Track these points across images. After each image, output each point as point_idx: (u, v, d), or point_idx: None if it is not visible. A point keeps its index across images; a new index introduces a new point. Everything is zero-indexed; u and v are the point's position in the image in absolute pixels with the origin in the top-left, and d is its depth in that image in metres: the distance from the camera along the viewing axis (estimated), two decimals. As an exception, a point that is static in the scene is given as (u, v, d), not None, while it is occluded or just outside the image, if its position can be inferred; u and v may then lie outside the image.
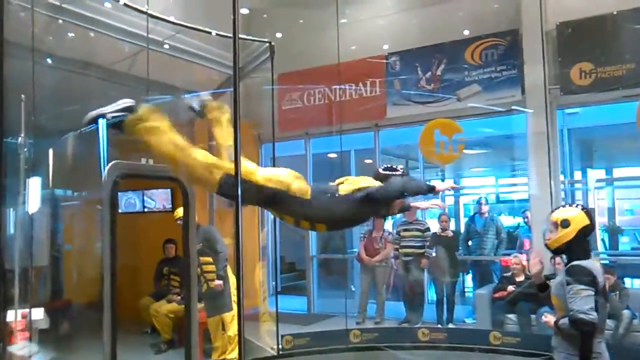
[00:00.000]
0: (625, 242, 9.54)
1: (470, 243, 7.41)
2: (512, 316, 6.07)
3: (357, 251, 7.47)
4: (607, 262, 7.73)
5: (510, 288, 6.15)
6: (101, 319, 4.06)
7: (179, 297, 6.25)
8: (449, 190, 3.15)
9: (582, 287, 2.71)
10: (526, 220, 7.50)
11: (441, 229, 7.00)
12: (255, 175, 2.71)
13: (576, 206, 3.04)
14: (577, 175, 8.34)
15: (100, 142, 2.87)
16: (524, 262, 6.37)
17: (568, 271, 2.82)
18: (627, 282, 6.55)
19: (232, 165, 2.39)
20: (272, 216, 8.88)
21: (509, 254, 6.72)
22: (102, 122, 2.71)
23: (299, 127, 8.19)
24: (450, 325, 6.56)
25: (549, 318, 2.94)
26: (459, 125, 6.66)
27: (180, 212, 5.82)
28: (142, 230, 6.96)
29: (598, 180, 7.49)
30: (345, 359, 5.14)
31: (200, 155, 2.71)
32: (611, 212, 9.38)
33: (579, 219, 2.90)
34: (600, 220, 9.09)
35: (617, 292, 5.60)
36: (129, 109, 2.71)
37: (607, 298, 3.05)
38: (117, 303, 4.17)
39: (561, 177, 6.88)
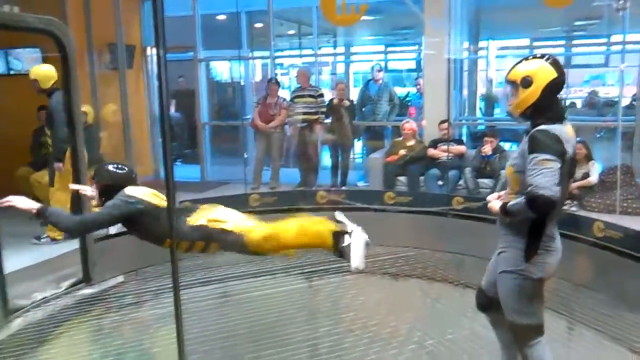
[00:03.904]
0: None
1: (363, 109, 7.52)
2: (402, 178, 6.41)
3: (251, 118, 7.31)
4: (483, 127, 8.32)
5: (402, 152, 6.43)
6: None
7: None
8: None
9: (548, 156, 2.21)
10: (418, 87, 7.68)
11: (339, 98, 6.98)
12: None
13: (539, 57, 2.41)
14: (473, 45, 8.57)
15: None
16: (415, 127, 6.64)
17: (531, 139, 2.29)
18: (506, 146, 7.07)
19: None
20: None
21: (400, 120, 6.93)
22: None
23: (185, -17, 7.47)
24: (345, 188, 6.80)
25: (493, 204, 2.48)
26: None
27: (36, 70, 5.19)
28: (9, 96, 6.19)
29: (500, 49, 7.68)
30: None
31: None
32: (490, 81, 9.90)
33: (543, 72, 2.33)
34: (481, 90, 9.63)
35: (498, 154, 6.05)
36: None
37: (574, 172, 2.51)
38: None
39: (466, 44, 7.02)
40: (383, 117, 7.38)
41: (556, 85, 2.36)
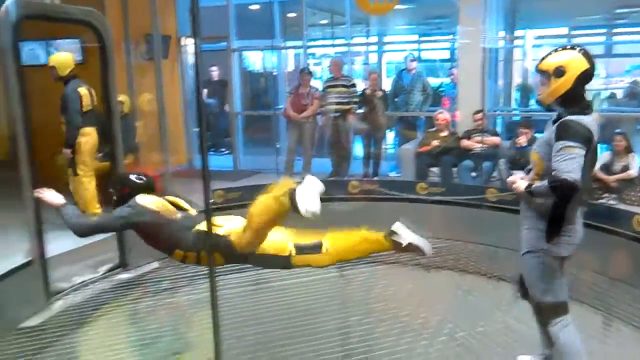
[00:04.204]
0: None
1: (396, 99, 7.47)
2: (434, 169, 6.36)
3: (283, 107, 7.34)
4: (518, 118, 8.16)
5: (435, 142, 6.37)
6: (14, 178, 3.80)
7: (99, 154, 5.93)
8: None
9: (573, 143, 2.26)
10: (452, 77, 7.59)
11: (371, 89, 6.95)
12: None
13: (571, 48, 2.44)
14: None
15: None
16: (448, 118, 6.57)
17: (559, 127, 2.34)
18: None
19: None
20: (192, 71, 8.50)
21: (434, 111, 6.86)
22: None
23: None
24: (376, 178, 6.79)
25: (518, 181, 2.51)
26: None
27: (55, 58, 5.33)
28: (50, 85, 6.35)
29: (537, 38, 7.50)
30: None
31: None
32: (526, 71, 9.70)
33: (575, 63, 2.36)
34: (516, 80, 9.44)
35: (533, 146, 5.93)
36: None
37: (596, 160, 2.56)
38: (32, 161, 3.89)
39: (501, 33, 6.86)
40: (416, 107, 7.32)
41: (587, 76, 2.41)
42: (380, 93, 6.99)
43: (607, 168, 5.57)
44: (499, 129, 7.53)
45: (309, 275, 4.26)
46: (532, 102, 9.30)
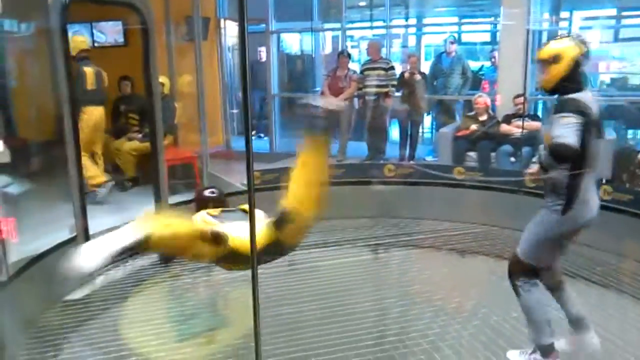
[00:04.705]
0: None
1: (435, 83, 7.37)
2: (472, 154, 6.26)
3: (320, 90, 7.34)
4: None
5: (473, 127, 6.27)
6: (61, 157, 3.94)
7: (140, 135, 6.08)
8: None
9: (567, 114, 2.53)
10: (493, 60, 7.43)
11: (410, 72, 6.87)
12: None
13: (567, 37, 2.82)
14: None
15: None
16: (488, 102, 6.44)
17: (557, 105, 2.68)
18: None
19: None
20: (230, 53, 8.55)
21: (473, 94, 6.74)
22: None
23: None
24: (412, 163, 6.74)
25: (533, 169, 2.86)
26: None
27: (79, 41, 5.57)
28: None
29: (584, 20, 7.24)
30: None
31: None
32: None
33: (570, 49, 2.66)
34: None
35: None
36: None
37: (601, 131, 2.77)
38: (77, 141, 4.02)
39: (546, 15, 6.66)
40: (455, 90, 7.21)
41: (581, 59, 2.68)
42: (418, 76, 6.90)
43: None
44: (540, 113, 7.35)
45: (343, 257, 4.29)
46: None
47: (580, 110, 2.54)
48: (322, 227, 4.80)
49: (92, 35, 7.01)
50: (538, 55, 2.78)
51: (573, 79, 2.66)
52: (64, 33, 3.89)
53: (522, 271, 2.79)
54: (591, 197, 2.68)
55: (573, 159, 2.54)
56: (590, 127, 2.57)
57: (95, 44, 7.02)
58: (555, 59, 2.66)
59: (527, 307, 2.79)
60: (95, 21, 6.84)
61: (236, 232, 2.59)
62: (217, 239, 2.55)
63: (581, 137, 2.50)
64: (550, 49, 2.71)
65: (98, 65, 5.76)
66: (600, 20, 8.75)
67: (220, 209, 2.96)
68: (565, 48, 2.66)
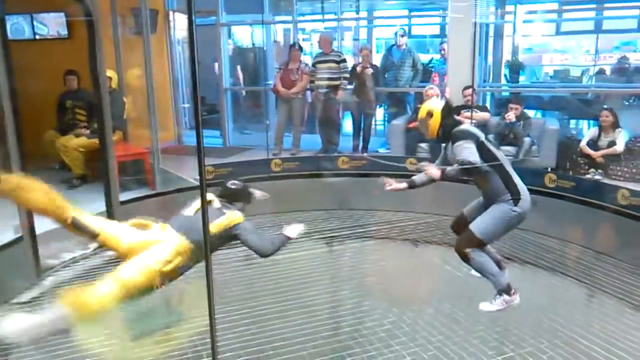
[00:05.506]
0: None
1: (386, 75, 7.44)
2: (424, 145, 6.37)
3: (273, 83, 7.30)
4: (508, 94, 8.17)
5: (424, 118, 6.37)
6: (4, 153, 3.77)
7: (87, 131, 5.90)
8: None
9: (463, 142, 3.22)
10: (443, 53, 7.56)
11: (362, 66, 6.90)
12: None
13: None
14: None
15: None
16: (438, 94, 6.56)
17: (452, 138, 3.32)
18: (530, 113, 6.99)
19: None
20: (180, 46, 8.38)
21: (423, 87, 6.85)
22: None
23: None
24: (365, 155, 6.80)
25: (430, 168, 3.28)
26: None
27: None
28: (35, 61, 6.26)
29: (527, 13, 7.46)
30: (270, 187, 5.23)
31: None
32: (516, 48, 9.68)
33: (437, 104, 3.48)
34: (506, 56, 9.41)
35: (522, 122, 5.98)
36: None
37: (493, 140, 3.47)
38: (20, 138, 3.86)
39: (492, 9, 6.80)
40: (406, 83, 7.30)
41: (449, 108, 3.50)
42: (370, 71, 6.96)
43: (593, 143, 5.62)
44: (488, 104, 7.55)
45: (298, 250, 4.30)
46: (523, 78, 9.34)
47: (471, 134, 3.30)
48: (277, 221, 4.80)
49: (32, 27, 6.75)
50: (419, 115, 3.55)
51: (448, 121, 3.42)
52: (2, 24, 3.72)
53: (475, 245, 3.30)
54: (524, 188, 3.31)
55: (478, 170, 3.22)
56: (481, 144, 3.28)
57: (37, 37, 6.77)
58: (429, 115, 3.45)
59: (480, 264, 3.31)
60: (36, 12, 6.58)
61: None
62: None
63: (479, 152, 3.22)
64: (424, 108, 3.51)
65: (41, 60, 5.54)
66: (543, 15, 9.05)
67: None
68: (433, 105, 3.49)
